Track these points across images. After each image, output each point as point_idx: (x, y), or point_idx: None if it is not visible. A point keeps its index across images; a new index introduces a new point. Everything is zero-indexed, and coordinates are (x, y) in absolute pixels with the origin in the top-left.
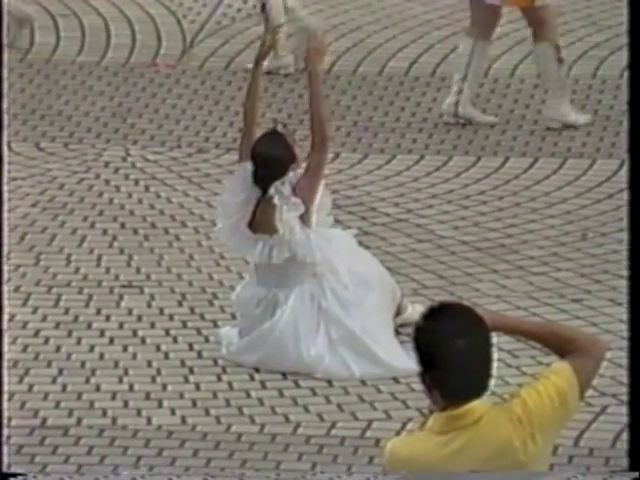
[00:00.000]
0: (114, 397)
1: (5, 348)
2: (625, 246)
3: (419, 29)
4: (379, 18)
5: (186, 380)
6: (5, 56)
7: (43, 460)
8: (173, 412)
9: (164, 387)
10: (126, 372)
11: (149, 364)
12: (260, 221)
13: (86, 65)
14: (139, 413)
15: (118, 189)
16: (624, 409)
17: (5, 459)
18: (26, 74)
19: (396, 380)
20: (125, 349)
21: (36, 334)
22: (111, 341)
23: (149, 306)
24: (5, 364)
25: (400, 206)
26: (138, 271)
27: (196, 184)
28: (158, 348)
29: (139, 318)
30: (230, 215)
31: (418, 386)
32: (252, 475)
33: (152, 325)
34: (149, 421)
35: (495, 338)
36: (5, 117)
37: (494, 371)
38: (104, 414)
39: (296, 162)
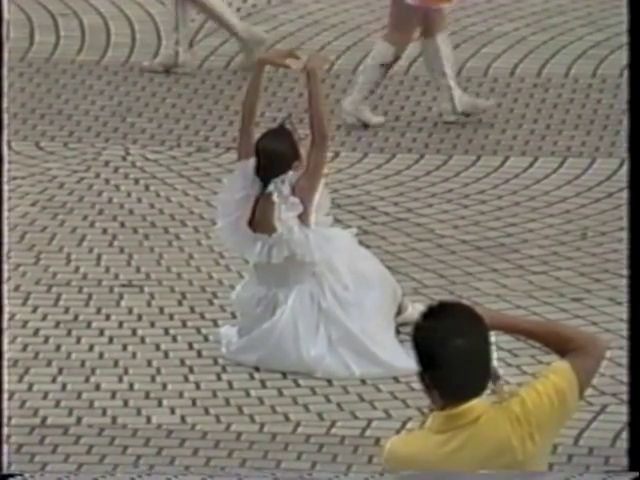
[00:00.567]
0: (114, 396)
1: (5, 347)
2: (625, 245)
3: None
4: (379, 17)
5: (186, 379)
6: (5, 55)
7: (43, 459)
8: (173, 411)
9: (164, 386)
10: (126, 371)
11: (149, 363)
12: (259, 219)
13: (86, 64)
14: (139, 412)
15: (118, 188)
16: (624, 408)
17: (5, 458)
18: (26, 73)
19: (396, 379)
20: (125, 348)
21: (36, 333)
22: (111, 340)
23: (149, 305)
24: (5, 363)
25: (400, 205)
26: (138, 270)
27: (196, 183)
28: (158, 347)
29: (139, 317)
30: (230, 214)
31: (418, 385)
32: (252, 474)
33: (152, 324)
34: (149, 420)
35: (495, 337)
36: (5, 116)
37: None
38: (104, 413)
39: (299, 160)
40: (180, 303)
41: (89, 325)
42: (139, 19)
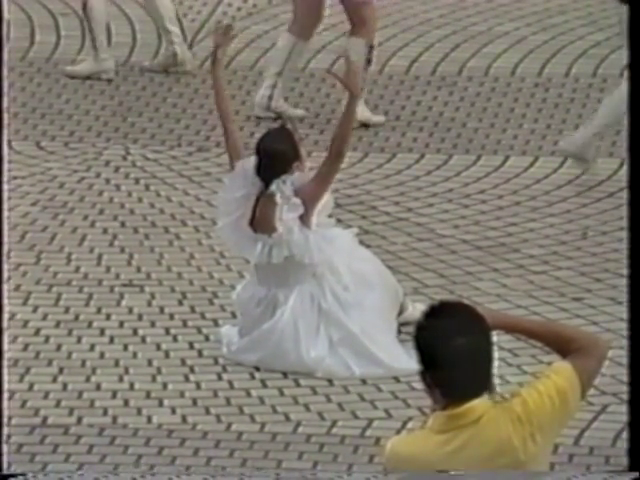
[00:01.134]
0: (114, 396)
1: (5, 347)
2: (625, 245)
3: (419, 28)
4: (379, 17)
5: (186, 379)
6: (5, 55)
7: (43, 459)
8: (173, 411)
9: (164, 386)
10: (126, 371)
11: (149, 363)
12: (260, 219)
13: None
14: (139, 412)
15: (118, 188)
16: (624, 408)
17: (5, 458)
18: (26, 72)
19: (397, 379)
20: (125, 348)
21: (36, 333)
22: (111, 340)
23: (149, 305)
24: (5, 363)
25: (400, 205)
26: (138, 270)
27: (196, 183)
28: (158, 347)
29: (139, 317)
30: (230, 213)
31: (419, 385)
32: (252, 474)
33: (152, 324)
34: (149, 420)
35: (495, 337)
36: (5, 116)
37: (495, 370)
38: (104, 413)
39: (300, 161)
40: (181, 303)
41: (90, 325)
42: (139, 19)
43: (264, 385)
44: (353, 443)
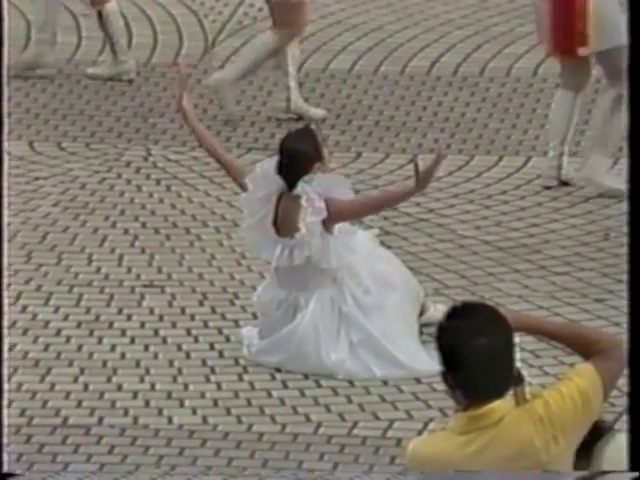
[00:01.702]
0: (135, 396)
1: (27, 347)
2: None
3: (441, 28)
4: (401, 17)
5: (207, 380)
6: (5, 55)
7: (65, 459)
8: (194, 412)
9: (185, 387)
10: (147, 371)
11: (170, 364)
12: (283, 219)
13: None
14: (160, 412)
15: (139, 189)
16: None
17: (26, 457)
18: (48, 73)
19: (418, 380)
20: (146, 348)
21: (58, 333)
22: (132, 340)
23: (170, 306)
24: (5, 363)
25: (422, 206)
26: (159, 271)
27: (217, 184)
28: (179, 348)
29: (160, 318)
30: (253, 214)
31: (440, 386)
32: (273, 475)
33: (173, 325)
34: (170, 420)
35: (517, 338)
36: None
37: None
38: (125, 413)
39: (322, 162)
40: (201, 304)
41: (111, 325)
42: (161, 20)
43: (285, 386)
44: (374, 444)
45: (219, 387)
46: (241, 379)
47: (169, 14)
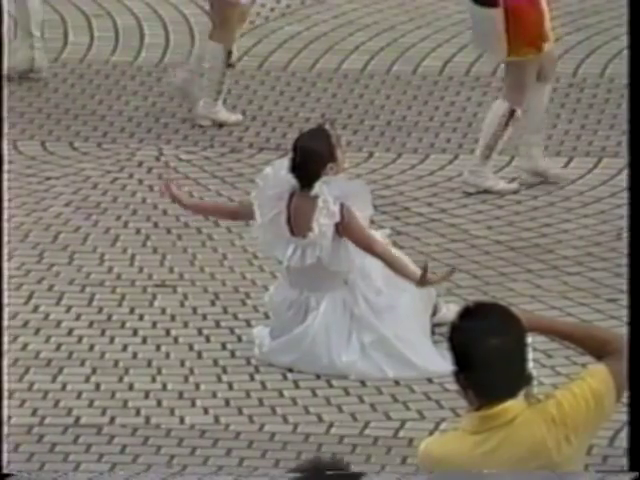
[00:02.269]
0: (147, 396)
1: (39, 347)
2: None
3: (453, 28)
4: (413, 17)
5: (219, 379)
6: (5, 54)
7: (76, 458)
8: (206, 411)
9: (197, 386)
10: (159, 371)
11: (182, 363)
12: (297, 217)
13: (119, 65)
14: (172, 412)
15: (151, 188)
16: (623, 408)
17: (38, 457)
18: (60, 73)
19: (430, 380)
20: (158, 348)
21: (69, 333)
22: (144, 340)
23: (182, 305)
24: (5, 362)
25: (434, 206)
26: (171, 270)
27: (229, 184)
28: (191, 347)
29: (172, 317)
30: (264, 213)
31: (452, 386)
32: (285, 475)
33: (185, 324)
34: (182, 420)
35: (530, 338)
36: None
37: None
38: (137, 413)
39: (335, 162)
40: (213, 303)
41: (123, 325)
42: (173, 20)
43: (297, 386)
44: (386, 444)
45: (231, 387)
46: (253, 379)
47: (181, 14)
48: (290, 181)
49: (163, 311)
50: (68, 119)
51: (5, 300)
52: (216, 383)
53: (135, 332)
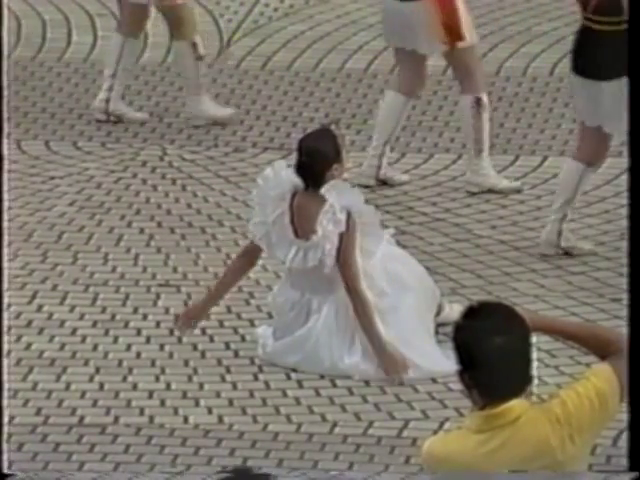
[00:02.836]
0: (151, 396)
1: (42, 346)
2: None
3: None
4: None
5: (223, 379)
6: (5, 54)
7: (80, 458)
8: (210, 411)
9: (201, 386)
10: (163, 371)
11: (186, 363)
12: (300, 217)
13: None
14: (176, 412)
15: (155, 188)
16: (624, 408)
17: (41, 457)
18: (63, 73)
19: (433, 380)
20: (162, 348)
21: (73, 332)
22: (148, 340)
23: (186, 305)
24: (5, 362)
25: (438, 205)
26: (175, 270)
27: (233, 183)
28: (195, 347)
29: (176, 317)
30: (265, 212)
31: (456, 386)
32: (287, 474)
33: None
34: (186, 420)
35: (534, 338)
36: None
37: (533, 371)
38: (141, 413)
39: (340, 164)
40: (217, 303)
41: (126, 325)
42: None
43: (300, 386)
44: (389, 444)
45: (234, 387)
46: (256, 378)
47: None
48: (292, 181)
49: (167, 311)
50: (72, 118)
51: (9, 300)
52: (220, 383)
53: (139, 332)
